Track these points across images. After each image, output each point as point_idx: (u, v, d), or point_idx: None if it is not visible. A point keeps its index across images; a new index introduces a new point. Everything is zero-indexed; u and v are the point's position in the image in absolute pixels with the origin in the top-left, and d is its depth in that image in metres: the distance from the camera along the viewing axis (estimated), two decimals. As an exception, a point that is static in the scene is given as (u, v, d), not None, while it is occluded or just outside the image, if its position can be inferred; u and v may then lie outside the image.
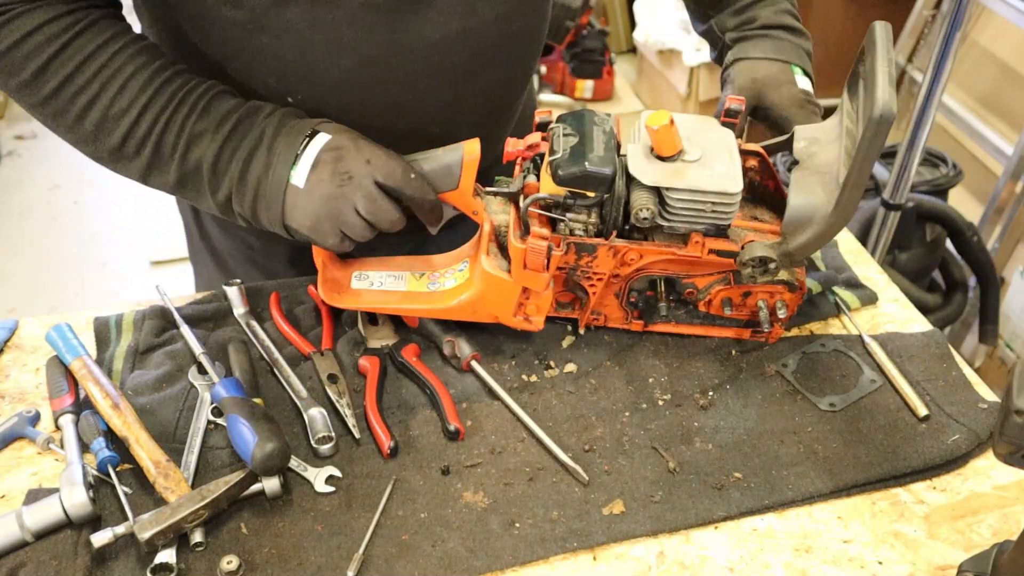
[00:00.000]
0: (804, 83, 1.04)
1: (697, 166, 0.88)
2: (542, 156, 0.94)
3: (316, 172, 0.88)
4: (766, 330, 0.99)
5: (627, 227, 0.92)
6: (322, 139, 0.90)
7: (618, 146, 0.92)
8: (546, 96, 3.39)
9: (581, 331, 1.02)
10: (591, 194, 0.89)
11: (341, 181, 0.88)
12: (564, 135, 0.90)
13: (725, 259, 0.92)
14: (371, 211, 0.89)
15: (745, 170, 0.98)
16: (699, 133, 0.92)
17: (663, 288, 0.98)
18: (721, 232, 0.92)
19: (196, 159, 0.89)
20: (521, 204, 0.91)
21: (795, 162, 0.93)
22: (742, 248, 0.91)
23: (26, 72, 0.85)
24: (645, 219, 0.88)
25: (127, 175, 0.93)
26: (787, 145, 0.96)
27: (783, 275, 0.95)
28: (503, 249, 0.94)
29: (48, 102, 0.87)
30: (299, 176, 0.88)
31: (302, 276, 1.18)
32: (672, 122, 0.86)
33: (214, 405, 0.91)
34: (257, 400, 0.91)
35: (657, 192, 0.88)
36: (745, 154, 0.97)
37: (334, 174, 0.88)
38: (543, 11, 1.04)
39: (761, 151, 0.98)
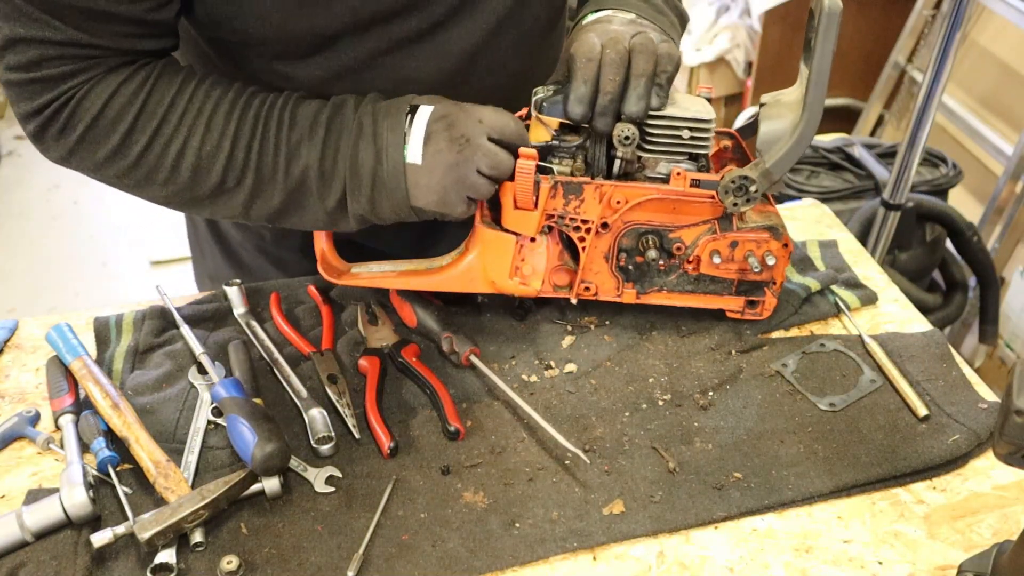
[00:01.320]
0: (594, 16, 0.97)
1: (671, 105, 0.91)
2: None
3: (431, 144, 0.87)
4: (756, 271, 0.98)
5: (611, 176, 0.95)
6: (426, 111, 0.89)
7: None
8: (546, 96, 3.38)
9: (573, 301, 1.02)
10: (573, 138, 0.93)
11: (459, 147, 0.87)
12: (547, 88, 0.94)
13: (707, 194, 0.94)
14: (493, 166, 0.88)
15: (719, 152, 1.02)
16: (675, 94, 0.95)
17: (650, 242, 0.98)
18: (702, 168, 0.96)
19: (301, 170, 0.88)
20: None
21: (763, 104, 0.98)
22: (722, 178, 0.93)
23: (115, 136, 0.85)
24: (627, 139, 0.89)
25: (227, 212, 0.92)
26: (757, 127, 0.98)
27: (766, 221, 0.97)
28: (497, 222, 0.96)
29: (140, 162, 0.87)
30: (414, 153, 0.87)
31: (312, 266, 1.18)
32: None
33: (214, 405, 0.91)
34: (257, 400, 0.91)
35: (636, 126, 0.91)
36: (718, 136, 1.01)
37: (451, 141, 0.87)
38: None
39: (735, 133, 1.00)
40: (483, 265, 0.97)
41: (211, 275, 1.30)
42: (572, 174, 0.94)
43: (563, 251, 0.99)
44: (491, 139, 0.88)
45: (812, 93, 0.88)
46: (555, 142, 0.93)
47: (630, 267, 1.00)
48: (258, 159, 0.88)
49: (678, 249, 0.98)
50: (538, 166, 0.91)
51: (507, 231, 0.94)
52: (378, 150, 0.88)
